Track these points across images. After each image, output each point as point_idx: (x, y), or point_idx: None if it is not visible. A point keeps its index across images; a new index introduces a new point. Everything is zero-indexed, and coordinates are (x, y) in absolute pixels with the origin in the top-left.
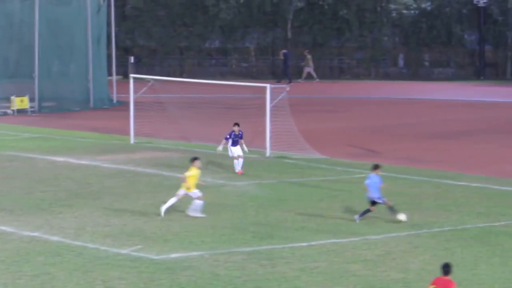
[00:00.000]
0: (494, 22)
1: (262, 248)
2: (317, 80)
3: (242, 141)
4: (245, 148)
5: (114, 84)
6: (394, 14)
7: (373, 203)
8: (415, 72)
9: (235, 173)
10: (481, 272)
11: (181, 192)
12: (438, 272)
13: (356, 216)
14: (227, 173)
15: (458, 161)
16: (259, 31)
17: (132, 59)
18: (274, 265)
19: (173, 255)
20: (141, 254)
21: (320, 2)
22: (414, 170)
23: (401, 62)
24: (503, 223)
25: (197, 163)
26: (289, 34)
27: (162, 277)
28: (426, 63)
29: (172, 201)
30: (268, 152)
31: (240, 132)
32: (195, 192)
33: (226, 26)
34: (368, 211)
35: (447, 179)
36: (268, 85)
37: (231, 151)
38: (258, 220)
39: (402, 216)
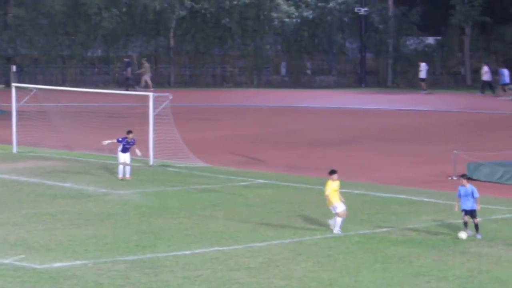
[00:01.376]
0: (375, 30)
1: (145, 256)
2: (152, 88)
3: (135, 146)
4: (139, 153)
5: None
6: (276, 22)
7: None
8: (297, 80)
9: (119, 181)
10: (364, 278)
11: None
12: (320, 279)
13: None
14: (110, 182)
15: (340, 168)
16: (141, 40)
17: (14, 68)
18: (157, 273)
19: (56, 264)
20: (24, 264)
21: (203, 11)
22: (297, 178)
23: (283, 70)
24: (384, 229)
25: (335, 176)
26: (172, 43)
27: (45, 287)
28: (308, 71)
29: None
30: (151, 161)
31: (133, 140)
32: (334, 207)
33: (108, 34)
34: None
35: None
36: (151, 94)
37: (120, 157)
38: (141, 228)
39: (463, 235)
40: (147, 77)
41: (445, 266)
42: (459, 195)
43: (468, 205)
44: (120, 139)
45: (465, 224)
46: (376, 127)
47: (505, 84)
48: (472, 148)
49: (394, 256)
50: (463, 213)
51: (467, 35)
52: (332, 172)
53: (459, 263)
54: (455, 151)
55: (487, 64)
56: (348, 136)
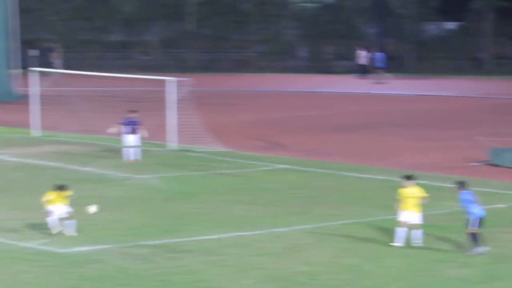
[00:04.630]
0: (395, 15)
1: (168, 241)
2: None
3: (140, 127)
4: (146, 134)
5: (16, 77)
6: (295, 7)
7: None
8: (316, 65)
9: (140, 166)
10: (387, 264)
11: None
12: (344, 265)
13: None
14: (131, 166)
15: (362, 153)
16: (161, 24)
17: (33, 52)
18: (180, 258)
19: (80, 249)
20: (48, 248)
21: None
22: (318, 163)
23: (303, 55)
24: None
25: (410, 182)
26: (192, 27)
27: (69, 271)
28: (327, 56)
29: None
30: (172, 145)
31: (137, 120)
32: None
33: (128, 19)
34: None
35: (351, 172)
36: (171, 78)
37: (127, 139)
38: (164, 213)
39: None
40: None
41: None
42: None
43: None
44: (124, 121)
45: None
46: (397, 112)
47: (379, 68)
48: (494, 133)
49: None
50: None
51: (488, 20)
52: (408, 177)
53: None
54: (477, 136)
55: (365, 48)
56: (369, 122)
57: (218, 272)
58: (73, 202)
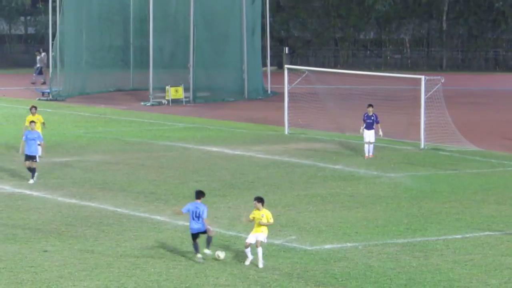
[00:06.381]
0: None
1: (415, 240)
2: None
3: (378, 125)
4: (381, 133)
5: (269, 74)
6: None
7: None
8: None
9: (390, 164)
10: None
11: None
12: None
13: None
14: (381, 165)
15: None
16: (414, 23)
17: (286, 50)
18: (427, 257)
19: (327, 246)
20: (295, 245)
21: None
22: None
23: None
24: None
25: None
26: (444, 26)
27: (316, 268)
28: None
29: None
30: (422, 144)
31: (374, 115)
32: None
33: (381, 17)
34: None
35: None
36: (423, 77)
37: (365, 135)
38: (411, 212)
39: None
40: None
41: None
42: None
43: None
44: (364, 117)
45: None
46: None
47: None
48: None
49: None
50: None
51: None
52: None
53: None
54: None
55: None
56: None
57: (465, 271)
58: (323, 200)
